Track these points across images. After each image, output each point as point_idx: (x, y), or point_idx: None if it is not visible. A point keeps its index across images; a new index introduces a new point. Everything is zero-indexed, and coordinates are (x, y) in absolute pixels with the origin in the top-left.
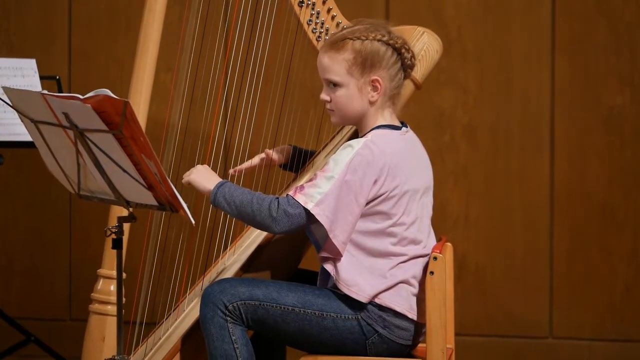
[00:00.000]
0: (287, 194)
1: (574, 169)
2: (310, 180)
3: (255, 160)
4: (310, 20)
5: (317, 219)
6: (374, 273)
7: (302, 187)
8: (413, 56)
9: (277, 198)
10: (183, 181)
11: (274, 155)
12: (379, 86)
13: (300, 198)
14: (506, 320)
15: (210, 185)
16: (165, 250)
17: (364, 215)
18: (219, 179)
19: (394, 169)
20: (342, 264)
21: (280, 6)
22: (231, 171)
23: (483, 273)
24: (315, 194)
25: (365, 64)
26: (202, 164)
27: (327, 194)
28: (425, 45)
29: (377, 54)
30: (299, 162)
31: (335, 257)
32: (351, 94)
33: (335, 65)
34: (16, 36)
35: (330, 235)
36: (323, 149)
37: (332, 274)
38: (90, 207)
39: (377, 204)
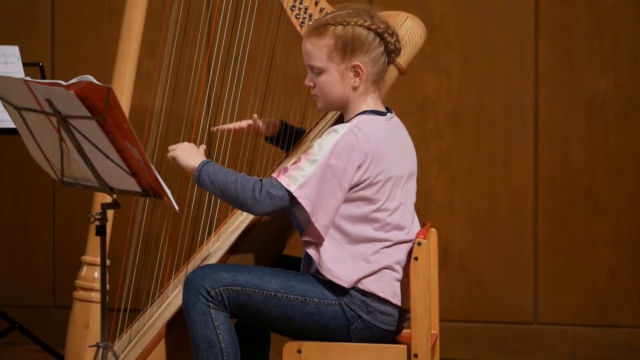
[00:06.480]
0: (271, 176)
1: (557, 155)
2: (295, 163)
3: (243, 123)
4: (293, 6)
5: (299, 202)
6: (356, 258)
7: (286, 169)
8: (397, 40)
9: (261, 180)
10: (168, 155)
11: (261, 124)
12: (360, 72)
13: (284, 180)
14: (491, 306)
15: (194, 163)
16: (149, 236)
17: (347, 200)
18: (204, 158)
19: (378, 155)
20: (325, 250)
21: None
22: (214, 128)
23: (467, 259)
24: (298, 176)
25: (345, 49)
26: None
27: (311, 177)
28: (409, 30)
29: (358, 40)
30: (286, 138)
31: (317, 241)
32: (333, 79)
33: (316, 51)
34: None
35: (313, 219)
36: (308, 133)
37: (314, 258)
38: (74, 193)
39: (361, 190)
